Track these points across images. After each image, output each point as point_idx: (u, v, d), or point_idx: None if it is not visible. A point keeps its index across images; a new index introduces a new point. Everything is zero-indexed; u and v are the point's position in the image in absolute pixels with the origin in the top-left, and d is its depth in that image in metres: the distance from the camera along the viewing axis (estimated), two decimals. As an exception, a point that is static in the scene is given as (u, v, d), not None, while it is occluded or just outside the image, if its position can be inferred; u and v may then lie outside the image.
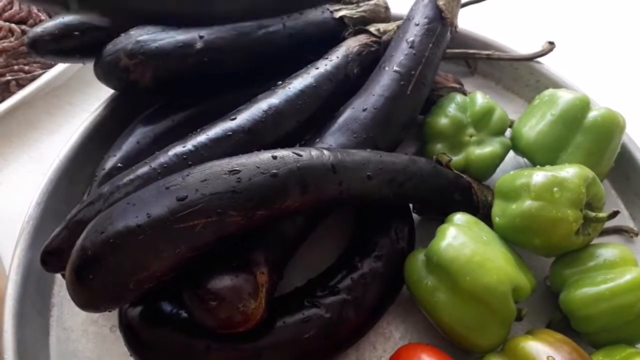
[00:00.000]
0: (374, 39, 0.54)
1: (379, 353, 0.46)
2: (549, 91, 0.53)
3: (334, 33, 0.54)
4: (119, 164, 0.45)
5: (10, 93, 0.61)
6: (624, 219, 0.56)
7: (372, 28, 0.55)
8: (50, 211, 0.49)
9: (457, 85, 0.59)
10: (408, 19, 0.53)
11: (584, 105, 0.50)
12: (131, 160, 0.45)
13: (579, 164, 0.45)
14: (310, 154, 0.40)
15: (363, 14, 0.55)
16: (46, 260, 0.41)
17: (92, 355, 0.45)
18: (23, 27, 0.63)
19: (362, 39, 0.54)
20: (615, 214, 0.44)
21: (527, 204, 0.43)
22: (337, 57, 0.52)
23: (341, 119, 0.48)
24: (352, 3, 0.55)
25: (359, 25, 0.55)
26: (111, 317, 0.46)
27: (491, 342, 0.42)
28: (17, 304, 0.44)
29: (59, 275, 0.49)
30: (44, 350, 0.45)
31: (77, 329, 0.47)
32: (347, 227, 0.52)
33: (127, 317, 0.40)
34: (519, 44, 0.65)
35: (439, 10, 0.52)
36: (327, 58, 0.52)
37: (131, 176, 0.40)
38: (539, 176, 0.44)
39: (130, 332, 0.40)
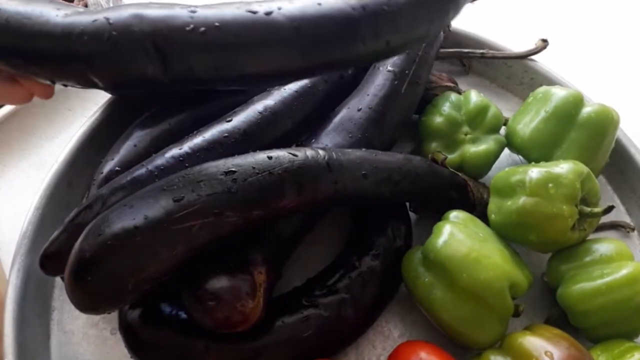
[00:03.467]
0: (368, 39, 0.54)
1: (378, 351, 0.46)
2: (543, 88, 0.53)
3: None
4: (117, 168, 0.46)
5: (9, 100, 0.62)
6: (620, 215, 0.56)
7: (367, 29, 0.55)
8: (49, 215, 0.49)
9: (452, 84, 0.59)
10: (402, 19, 0.54)
11: (577, 102, 0.50)
12: (129, 164, 0.45)
13: (573, 160, 0.46)
14: (305, 154, 0.40)
15: (357, 15, 0.56)
16: (45, 263, 0.41)
17: (93, 358, 0.46)
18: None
19: (356, 39, 0.54)
20: (610, 208, 0.45)
21: (523, 200, 0.44)
22: (332, 58, 0.52)
23: (336, 119, 0.48)
24: (346, 4, 0.56)
25: (354, 26, 0.55)
26: (111, 320, 0.47)
27: (489, 339, 0.42)
28: (17, 308, 0.44)
29: (59, 279, 0.49)
30: (45, 354, 0.45)
31: (77, 332, 0.47)
32: (344, 226, 0.52)
33: (127, 319, 0.40)
34: (513, 42, 0.65)
35: (432, 10, 0.53)
36: (322, 59, 0.52)
37: (129, 179, 0.41)
38: (533, 172, 0.44)
39: (130, 334, 0.40)
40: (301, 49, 0.32)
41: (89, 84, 0.36)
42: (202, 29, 0.31)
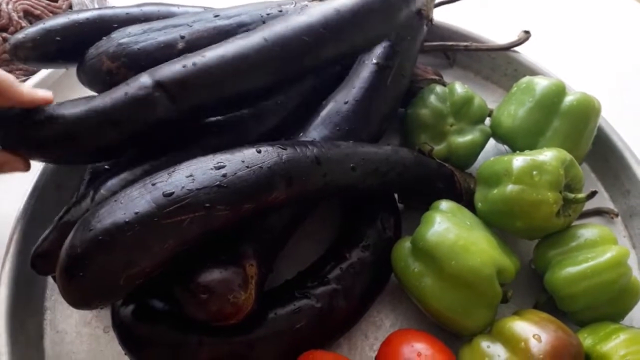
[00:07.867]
0: (353, 34, 0.55)
1: (371, 341, 0.47)
2: (526, 78, 0.54)
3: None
4: (106, 166, 0.46)
5: (-6, 101, 0.61)
6: (604, 201, 0.57)
7: (352, 23, 0.55)
8: (38, 216, 0.49)
9: (437, 77, 0.60)
10: (386, 13, 0.54)
11: (559, 91, 0.51)
12: (118, 162, 0.45)
13: (557, 148, 0.46)
14: (294, 147, 0.40)
15: (342, 10, 0.56)
16: (36, 263, 0.41)
17: (87, 357, 0.46)
18: (4, 34, 0.63)
19: (341, 34, 0.54)
20: (593, 194, 0.45)
21: (508, 188, 0.44)
22: (318, 53, 0.52)
23: (324, 113, 0.49)
24: None
25: (339, 21, 0.55)
26: (104, 318, 0.47)
27: (479, 324, 0.43)
28: (10, 309, 0.44)
29: (50, 279, 0.49)
30: (38, 353, 0.45)
31: (70, 330, 0.47)
32: (334, 219, 0.53)
33: (119, 316, 0.40)
34: (496, 35, 0.66)
35: (415, 4, 0.53)
36: (308, 54, 0.52)
37: (118, 175, 0.41)
38: (518, 161, 0.45)
39: (123, 331, 0.40)
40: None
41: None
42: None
